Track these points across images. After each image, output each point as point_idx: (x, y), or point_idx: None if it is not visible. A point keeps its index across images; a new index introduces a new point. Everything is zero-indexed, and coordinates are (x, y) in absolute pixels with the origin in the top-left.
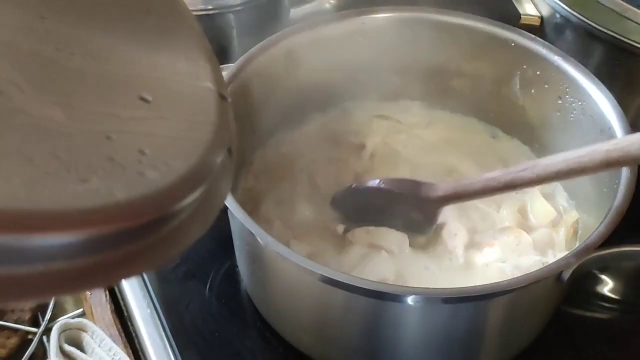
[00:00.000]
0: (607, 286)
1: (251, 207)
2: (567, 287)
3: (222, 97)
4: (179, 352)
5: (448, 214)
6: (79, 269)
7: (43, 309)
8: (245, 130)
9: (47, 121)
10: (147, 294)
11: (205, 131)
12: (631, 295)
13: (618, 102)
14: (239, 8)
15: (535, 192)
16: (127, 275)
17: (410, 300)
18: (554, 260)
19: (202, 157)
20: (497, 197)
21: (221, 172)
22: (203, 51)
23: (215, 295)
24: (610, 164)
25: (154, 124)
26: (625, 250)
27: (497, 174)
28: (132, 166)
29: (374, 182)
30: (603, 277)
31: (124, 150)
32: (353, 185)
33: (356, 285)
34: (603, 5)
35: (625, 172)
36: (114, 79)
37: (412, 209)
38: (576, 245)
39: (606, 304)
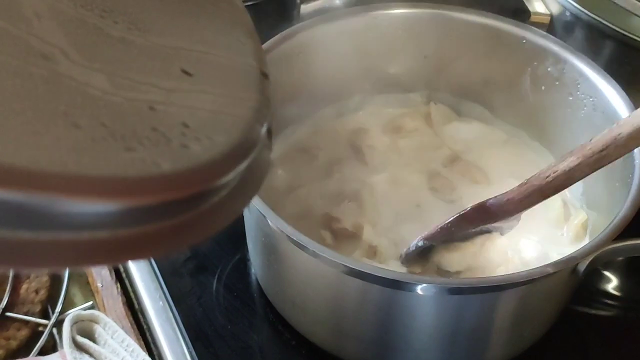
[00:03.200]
0: (613, 284)
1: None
2: (581, 280)
3: (263, 75)
4: (192, 344)
5: None
6: (122, 239)
7: (53, 301)
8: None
9: (92, 88)
10: (159, 286)
11: (247, 107)
12: (637, 292)
13: (630, 97)
14: (250, 4)
15: None
16: (171, 247)
17: (422, 290)
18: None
19: (245, 133)
20: None
21: (262, 150)
22: (246, 28)
23: (227, 288)
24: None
25: (196, 97)
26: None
27: (552, 169)
28: (176, 138)
29: (440, 226)
30: (609, 275)
31: (167, 122)
32: (420, 243)
33: (374, 274)
34: (613, 2)
35: (638, 165)
36: (156, 50)
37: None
38: (585, 242)
39: (612, 302)
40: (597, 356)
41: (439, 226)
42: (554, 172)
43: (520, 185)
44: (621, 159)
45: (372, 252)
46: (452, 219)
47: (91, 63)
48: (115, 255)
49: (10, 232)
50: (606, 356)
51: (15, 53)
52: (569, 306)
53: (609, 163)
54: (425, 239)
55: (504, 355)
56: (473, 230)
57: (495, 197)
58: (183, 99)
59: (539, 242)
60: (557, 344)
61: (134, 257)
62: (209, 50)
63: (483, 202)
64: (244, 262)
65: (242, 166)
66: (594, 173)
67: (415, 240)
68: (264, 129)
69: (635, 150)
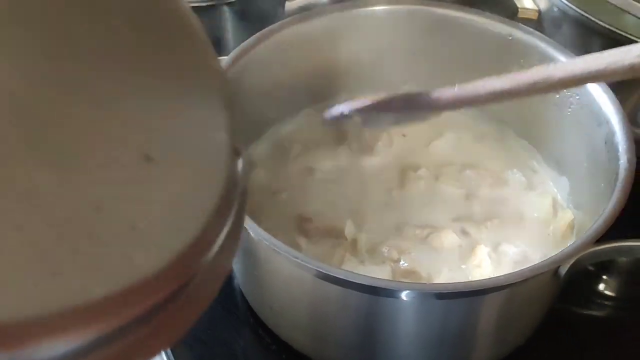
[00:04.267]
0: (604, 283)
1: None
2: (564, 283)
3: (235, 151)
4: (172, 350)
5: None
6: None
7: None
8: (237, 123)
9: (34, 191)
10: None
11: (211, 194)
12: (628, 292)
13: (615, 96)
14: (234, 0)
15: (533, 190)
16: None
17: (404, 295)
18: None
19: (204, 227)
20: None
21: (225, 243)
22: (222, 96)
23: None
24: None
25: (154, 187)
26: (622, 246)
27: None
28: (119, 247)
29: (365, 102)
30: (600, 274)
31: (112, 226)
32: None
33: (351, 280)
34: None
35: (623, 166)
36: (119, 132)
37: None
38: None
39: (603, 301)
40: (589, 356)
41: (367, 102)
42: (484, 88)
43: (452, 89)
44: (607, 160)
45: (354, 248)
46: (380, 99)
47: (40, 157)
48: None
49: None
50: (598, 356)
51: None
52: (559, 305)
53: (535, 95)
54: (352, 109)
55: (491, 357)
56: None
57: (427, 91)
58: (138, 192)
59: (524, 242)
60: (549, 344)
61: None
62: (178, 127)
63: (413, 93)
64: None
65: (199, 267)
66: (581, 171)
67: (342, 108)
68: (229, 217)
69: (620, 151)
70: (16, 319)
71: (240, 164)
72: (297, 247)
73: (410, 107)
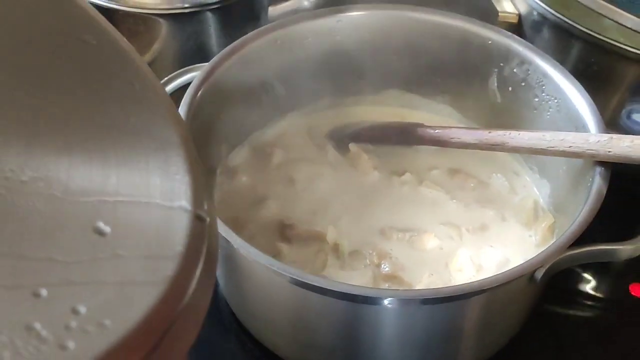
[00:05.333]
0: (589, 284)
1: (224, 208)
2: (542, 285)
3: (197, 218)
4: None
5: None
6: None
7: None
8: (220, 129)
9: None
10: None
11: (166, 270)
12: (613, 292)
13: (595, 100)
14: (217, 6)
15: (515, 193)
16: None
17: (384, 302)
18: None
19: (155, 305)
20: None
21: (183, 319)
22: (185, 159)
23: None
24: (568, 156)
25: (103, 266)
26: (596, 249)
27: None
28: (55, 336)
29: (359, 129)
30: (585, 275)
31: (51, 313)
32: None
33: (329, 288)
34: (580, 2)
35: (598, 170)
36: (68, 207)
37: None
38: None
39: (588, 302)
40: (572, 355)
41: (367, 126)
42: (458, 137)
43: (434, 129)
44: (583, 164)
45: (336, 252)
46: (379, 125)
47: None
48: None
49: None
50: (582, 356)
51: None
52: (544, 306)
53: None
54: (354, 132)
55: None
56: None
57: (428, 126)
58: (85, 274)
59: (506, 246)
60: (532, 345)
61: None
62: (134, 198)
63: (405, 123)
64: None
65: (154, 342)
66: (560, 174)
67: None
68: (192, 285)
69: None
70: None
71: (204, 228)
72: (279, 253)
73: (401, 136)
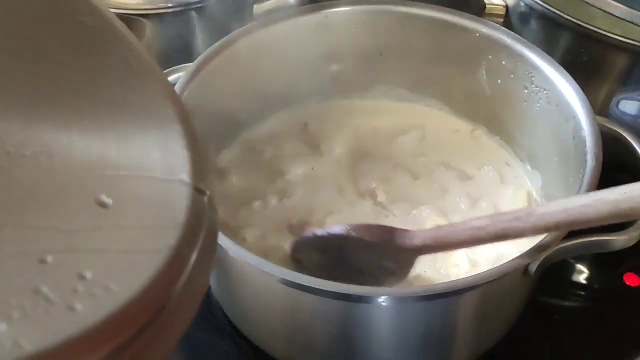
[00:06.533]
0: (583, 275)
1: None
2: (537, 278)
3: (197, 191)
4: None
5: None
6: None
7: None
8: (208, 130)
9: None
10: None
11: (168, 239)
12: (607, 283)
13: (585, 90)
14: (201, 5)
15: (507, 185)
16: None
17: (376, 300)
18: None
19: (158, 273)
20: (475, 189)
21: (185, 287)
22: (183, 136)
23: None
24: (619, 217)
25: (106, 235)
26: (591, 240)
27: (485, 223)
28: (62, 299)
29: (339, 229)
30: (578, 265)
31: (57, 277)
32: (314, 233)
33: (319, 287)
34: None
35: (589, 161)
36: (69, 181)
37: (384, 258)
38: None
39: (583, 293)
40: (569, 347)
41: (342, 230)
42: (463, 231)
43: (431, 229)
44: (575, 155)
45: None
46: (352, 226)
47: None
48: None
49: None
50: (577, 347)
51: None
52: (539, 297)
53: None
54: (328, 233)
55: (471, 355)
56: (371, 257)
57: (403, 230)
58: (89, 242)
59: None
60: (528, 337)
61: None
62: (135, 171)
63: (391, 227)
64: None
65: (150, 316)
66: (552, 165)
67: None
68: (192, 256)
69: (587, 146)
70: None
71: (204, 202)
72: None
73: (384, 241)
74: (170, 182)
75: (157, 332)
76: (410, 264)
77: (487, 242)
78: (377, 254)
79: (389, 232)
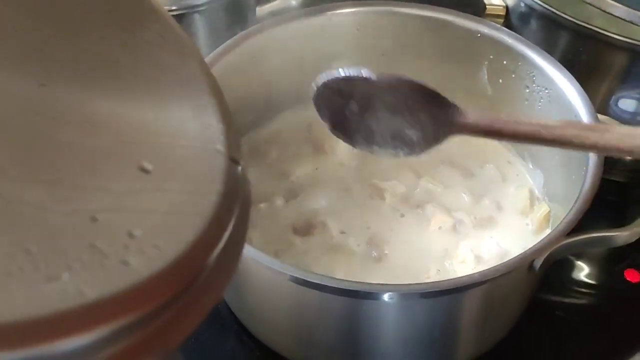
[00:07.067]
0: (583, 272)
1: None
2: (541, 275)
3: (232, 161)
4: None
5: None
6: None
7: None
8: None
9: (25, 206)
10: None
11: (208, 203)
12: (608, 279)
13: (585, 88)
14: (204, 7)
15: (509, 183)
16: None
17: (384, 296)
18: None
19: (202, 233)
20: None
21: (226, 248)
22: (217, 109)
23: None
24: None
25: (150, 198)
26: (594, 236)
27: (555, 124)
28: (116, 253)
29: (369, 73)
30: (579, 263)
31: (109, 234)
32: (343, 73)
33: (327, 284)
34: None
35: (592, 160)
36: (112, 147)
37: (411, 125)
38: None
39: (583, 290)
40: (570, 344)
41: (365, 74)
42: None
43: (490, 113)
44: (576, 153)
45: (343, 239)
46: (383, 76)
47: (31, 175)
48: None
49: None
50: (579, 344)
51: None
52: (540, 295)
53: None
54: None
55: (475, 352)
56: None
57: (452, 101)
58: (135, 203)
59: (504, 236)
60: (531, 335)
61: None
62: (173, 140)
63: (433, 90)
64: None
65: (201, 269)
66: (553, 163)
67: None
68: (231, 222)
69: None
70: (10, 320)
71: (239, 171)
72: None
73: (422, 104)
74: (206, 150)
75: (199, 293)
76: (437, 140)
77: (545, 144)
78: (406, 117)
79: (433, 97)
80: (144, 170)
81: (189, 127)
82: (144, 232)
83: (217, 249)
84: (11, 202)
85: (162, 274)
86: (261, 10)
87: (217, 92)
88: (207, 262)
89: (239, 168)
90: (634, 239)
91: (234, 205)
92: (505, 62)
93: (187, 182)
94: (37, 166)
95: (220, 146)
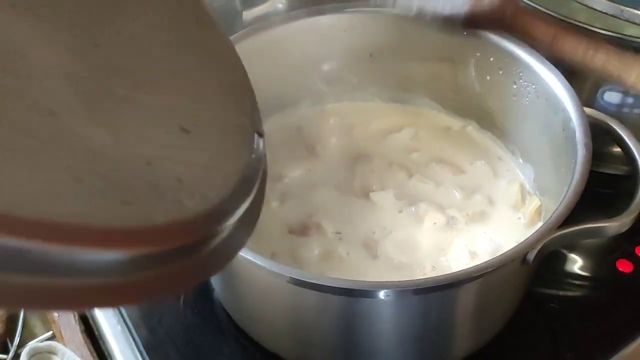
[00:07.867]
0: (576, 264)
1: None
2: (535, 267)
3: (258, 133)
4: None
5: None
6: (116, 285)
7: (11, 334)
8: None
9: (95, 143)
10: (117, 310)
11: (240, 164)
12: (600, 271)
13: (571, 83)
14: None
15: (500, 178)
16: (167, 292)
17: (380, 294)
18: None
19: (235, 188)
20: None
21: (254, 199)
22: (244, 88)
23: (188, 306)
24: None
25: (191, 153)
26: (586, 227)
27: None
28: (170, 193)
29: None
30: (572, 255)
31: (163, 177)
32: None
33: (323, 284)
34: None
35: (580, 151)
36: (158, 108)
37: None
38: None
39: (577, 282)
40: (565, 335)
41: None
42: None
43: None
44: (565, 146)
45: (338, 239)
46: None
47: (96, 119)
48: (110, 300)
49: (6, 276)
50: (574, 335)
51: (22, 109)
52: (534, 288)
53: None
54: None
55: (472, 346)
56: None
57: None
58: (179, 155)
59: (497, 231)
60: (525, 328)
61: (130, 303)
62: (208, 109)
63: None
64: None
65: (233, 218)
66: (543, 157)
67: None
68: (257, 181)
69: (577, 137)
70: (99, 228)
71: (262, 143)
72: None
73: None
74: (236, 121)
75: (228, 238)
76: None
77: (585, 65)
78: None
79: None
80: (185, 131)
81: (223, 100)
82: (189, 179)
83: (246, 203)
84: (84, 138)
85: (207, 214)
86: (248, 14)
87: (243, 75)
88: (238, 211)
89: (262, 140)
90: (624, 229)
91: (259, 169)
92: (492, 60)
93: (221, 144)
94: (99, 112)
95: (247, 119)
